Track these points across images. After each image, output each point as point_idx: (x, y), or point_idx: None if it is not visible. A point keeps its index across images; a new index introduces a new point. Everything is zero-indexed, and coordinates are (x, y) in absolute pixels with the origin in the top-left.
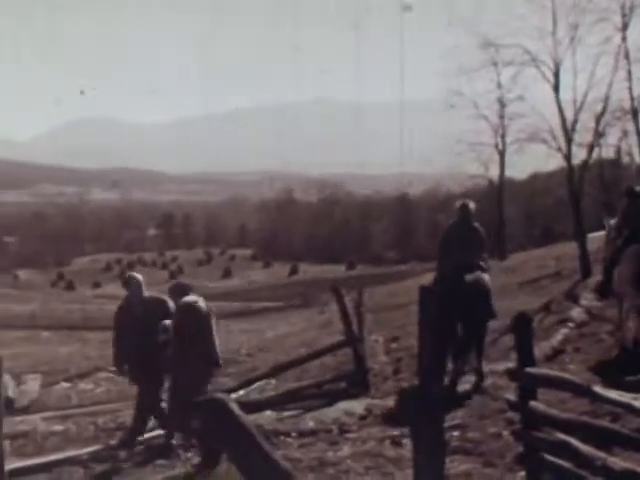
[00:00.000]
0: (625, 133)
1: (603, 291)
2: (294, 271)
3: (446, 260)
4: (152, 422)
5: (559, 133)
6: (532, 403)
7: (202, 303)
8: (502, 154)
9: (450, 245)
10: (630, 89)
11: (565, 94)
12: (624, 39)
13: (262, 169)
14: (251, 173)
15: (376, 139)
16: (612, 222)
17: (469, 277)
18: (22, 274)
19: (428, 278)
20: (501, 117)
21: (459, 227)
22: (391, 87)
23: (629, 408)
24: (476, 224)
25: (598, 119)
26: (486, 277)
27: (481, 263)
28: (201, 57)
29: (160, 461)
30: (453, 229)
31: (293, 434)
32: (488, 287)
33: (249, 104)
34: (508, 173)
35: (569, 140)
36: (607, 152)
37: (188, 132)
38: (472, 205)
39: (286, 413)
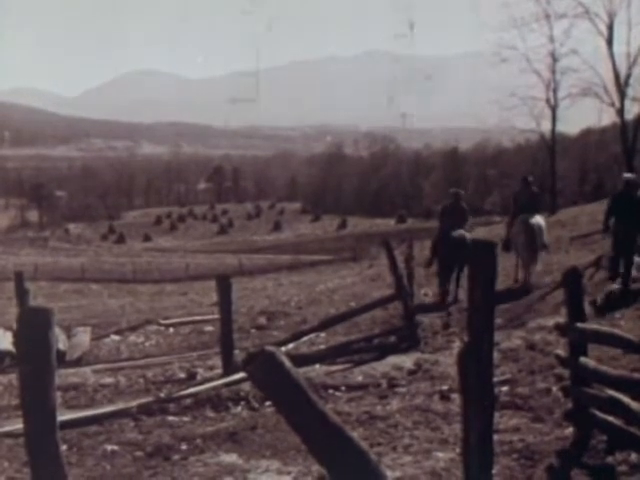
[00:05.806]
0: None
1: (505, 247)
2: (343, 225)
3: (443, 225)
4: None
5: (612, 87)
6: (582, 359)
7: None
8: (554, 109)
9: (447, 216)
10: None
11: (619, 47)
12: None
13: (312, 123)
14: (301, 127)
15: (426, 93)
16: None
17: (456, 234)
18: (72, 228)
19: (479, 232)
20: (553, 71)
21: (453, 205)
22: (441, 40)
23: None
24: (463, 203)
25: None
26: (467, 234)
27: (465, 227)
28: (252, 11)
29: (209, 413)
30: (449, 206)
31: (342, 388)
32: (468, 241)
33: (300, 57)
34: (560, 128)
35: (622, 95)
36: None
37: (238, 86)
38: (461, 191)
39: (335, 367)
